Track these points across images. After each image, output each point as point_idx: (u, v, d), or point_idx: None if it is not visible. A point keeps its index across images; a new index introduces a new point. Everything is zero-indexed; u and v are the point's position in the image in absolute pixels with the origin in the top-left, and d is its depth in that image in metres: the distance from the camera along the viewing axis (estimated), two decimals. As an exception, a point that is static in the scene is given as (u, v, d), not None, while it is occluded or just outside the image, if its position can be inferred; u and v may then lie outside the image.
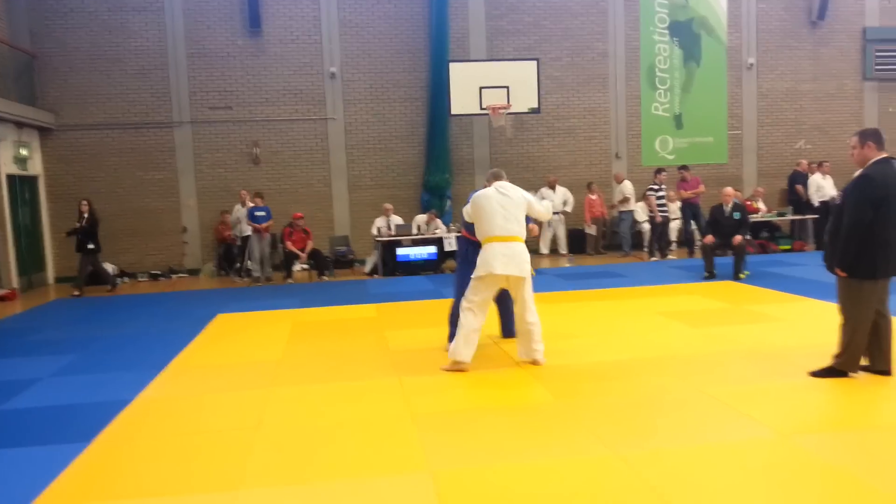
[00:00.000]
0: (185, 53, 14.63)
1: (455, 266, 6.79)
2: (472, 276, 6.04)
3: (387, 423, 4.83)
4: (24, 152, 13.46)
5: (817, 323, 7.26)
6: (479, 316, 6.02)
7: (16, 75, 13.68)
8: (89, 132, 14.48)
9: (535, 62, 14.35)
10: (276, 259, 13.80)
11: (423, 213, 14.24)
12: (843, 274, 5.14)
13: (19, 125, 13.26)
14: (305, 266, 13.47)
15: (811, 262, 11.83)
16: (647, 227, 14.28)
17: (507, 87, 13.96)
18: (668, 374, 5.71)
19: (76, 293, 12.23)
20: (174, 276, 14.44)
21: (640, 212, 14.51)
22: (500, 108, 13.92)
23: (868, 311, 5.17)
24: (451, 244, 12.96)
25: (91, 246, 12.42)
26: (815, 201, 14.58)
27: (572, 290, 10.45)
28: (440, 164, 14.90)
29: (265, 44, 14.83)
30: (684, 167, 14.25)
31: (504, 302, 6.85)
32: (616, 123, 16.02)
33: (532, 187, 15.12)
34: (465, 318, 5.99)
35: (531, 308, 6.09)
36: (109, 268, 14.04)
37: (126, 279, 14.13)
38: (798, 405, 4.87)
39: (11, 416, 5.45)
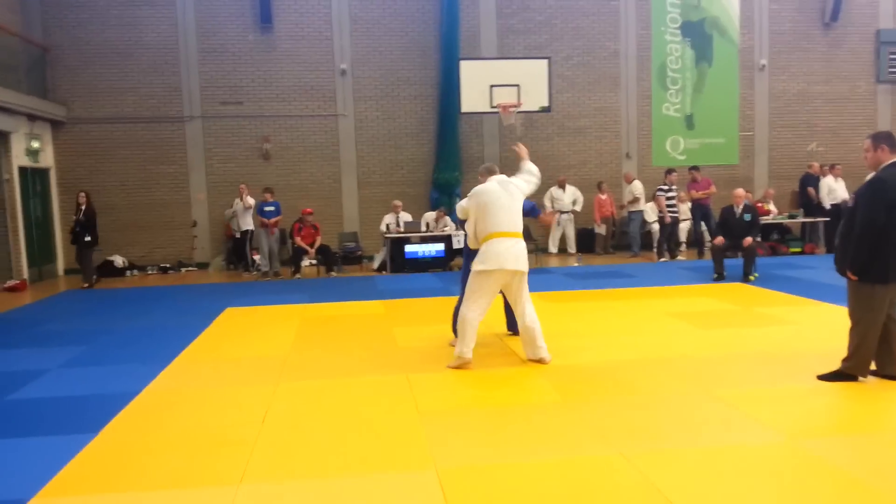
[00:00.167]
0: (197, 48, 14.67)
1: (462, 263, 6.76)
2: (477, 270, 5.88)
3: (393, 420, 4.83)
4: (35, 145, 13.53)
5: (827, 326, 7.21)
6: (482, 313, 6.02)
7: (28, 68, 13.75)
8: (100, 125, 14.55)
9: (545, 61, 14.31)
10: (285, 254, 13.83)
11: (432, 210, 14.25)
12: (854, 277, 5.10)
13: (31, 118, 13.32)
14: (314, 261, 13.50)
15: (822, 265, 11.76)
16: (656, 227, 14.24)
17: (518, 86, 13.93)
18: (676, 375, 5.69)
19: (86, 285, 12.28)
20: (183, 269, 14.50)
21: (650, 212, 14.46)
22: (510, 107, 13.88)
23: (878, 315, 5.13)
24: (459, 242, 12.93)
25: (88, 238, 12.36)
26: (827, 204, 14.49)
27: (581, 289, 10.43)
28: (450, 162, 14.90)
29: (276, 40, 14.86)
30: (695, 168, 14.20)
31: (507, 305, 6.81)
32: (627, 123, 15.98)
33: (542, 186, 15.09)
34: (470, 315, 5.96)
35: (531, 306, 6.10)
36: (119, 260, 14.15)
37: (135, 272, 14.19)
38: (806, 409, 4.84)
39: (20, 406, 5.48)
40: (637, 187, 14.60)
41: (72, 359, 6.97)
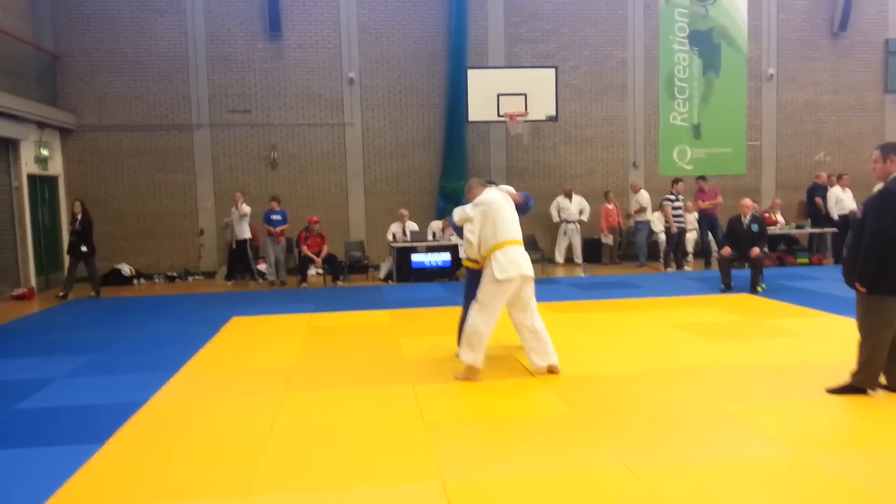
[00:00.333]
0: (206, 56, 14.74)
1: (466, 273, 6.73)
2: (499, 280, 5.79)
3: (399, 431, 4.81)
4: (44, 152, 13.59)
5: (835, 338, 7.18)
6: (493, 323, 5.99)
7: (38, 76, 13.84)
8: (109, 133, 14.61)
9: (553, 70, 14.33)
10: (291, 263, 13.84)
11: (439, 219, 14.24)
12: (863, 289, 5.07)
13: (41, 125, 13.39)
14: (320, 270, 13.50)
15: (829, 276, 11.71)
16: (663, 237, 14.20)
17: (525, 95, 13.95)
18: (683, 387, 5.66)
19: (94, 293, 12.33)
20: (190, 278, 14.52)
21: (657, 222, 14.44)
22: (517, 116, 13.90)
23: (888, 328, 5.09)
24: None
25: (85, 248, 12.20)
26: (835, 214, 14.45)
27: (587, 300, 10.40)
28: (456, 171, 14.90)
29: (285, 48, 14.92)
30: (702, 178, 14.17)
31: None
32: (634, 132, 15.97)
33: (549, 195, 15.16)
34: (484, 328, 5.93)
35: (538, 312, 6.15)
36: (126, 269, 14.18)
37: (142, 280, 14.22)
38: (815, 422, 4.81)
39: (26, 415, 5.48)
40: (644, 197, 14.57)
41: (78, 368, 6.98)
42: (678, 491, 3.74)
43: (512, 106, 13.92)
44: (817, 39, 16.34)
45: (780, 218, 14.80)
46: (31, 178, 13.15)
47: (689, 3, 14.40)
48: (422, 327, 8.56)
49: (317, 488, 3.96)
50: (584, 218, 15.18)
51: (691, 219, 14.34)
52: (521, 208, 6.38)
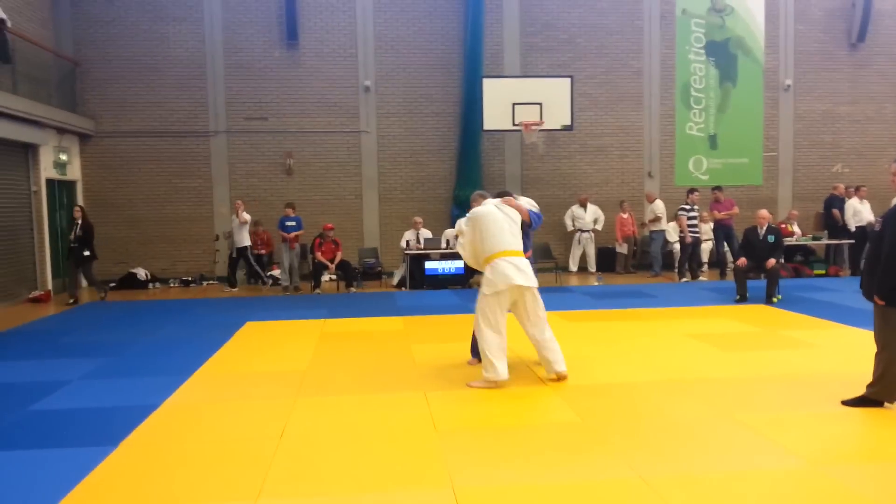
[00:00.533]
0: (223, 64, 14.87)
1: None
2: (487, 294, 5.94)
3: (411, 438, 4.81)
4: (63, 157, 13.75)
5: (851, 350, 7.11)
6: (502, 332, 6.01)
7: (58, 82, 14.01)
8: (127, 139, 14.76)
9: (568, 79, 14.33)
10: (305, 269, 13.90)
11: (453, 227, 14.23)
12: (881, 302, 5.02)
13: (60, 131, 13.56)
14: (334, 277, 13.54)
15: (846, 288, 11.60)
16: (678, 247, 14.14)
17: (541, 104, 13.96)
18: (697, 397, 5.62)
19: (102, 295, 12.40)
20: (205, 282, 14.61)
21: (672, 232, 14.38)
22: (532, 125, 13.91)
23: (905, 341, 5.04)
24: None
25: (87, 253, 12.11)
26: (852, 226, 14.33)
27: (601, 308, 10.37)
28: (471, 179, 14.90)
29: (301, 56, 15.02)
30: (718, 188, 14.11)
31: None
32: (649, 142, 15.93)
33: (563, 204, 15.14)
34: (489, 336, 5.96)
35: (546, 322, 6.13)
36: (141, 273, 14.29)
37: (158, 284, 14.33)
38: (830, 434, 4.76)
39: (40, 417, 5.52)
40: (659, 207, 14.52)
41: (93, 370, 7.03)
42: (691, 502, 3.71)
43: (527, 115, 13.92)
44: (835, 50, 16.25)
45: (796, 229, 14.69)
46: (50, 182, 13.30)
47: (706, 13, 14.35)
48: (434, 334, 8.56)
49: (327, 493, 3.96)
50: (599, 227, 15.15)
51: (707, 229, 14.27)
52: (525, 224, 6.42)
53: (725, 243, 13.99)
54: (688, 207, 13.63)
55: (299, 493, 3.97)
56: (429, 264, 13.29)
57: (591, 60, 15.64)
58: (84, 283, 12.86)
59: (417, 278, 13.29)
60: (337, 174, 15.27)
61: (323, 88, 15.11)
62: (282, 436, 4.88)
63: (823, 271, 14.33)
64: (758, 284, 10.89)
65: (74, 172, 14.39)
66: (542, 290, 6.43)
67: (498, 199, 6.36)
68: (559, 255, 15.02)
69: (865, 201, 14.48)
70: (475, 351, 6.64)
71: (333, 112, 15.17)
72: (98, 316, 10.76)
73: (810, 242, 14.68)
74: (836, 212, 14.68)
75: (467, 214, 6.33)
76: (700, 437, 4.74)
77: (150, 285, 14.20)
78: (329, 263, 13.07)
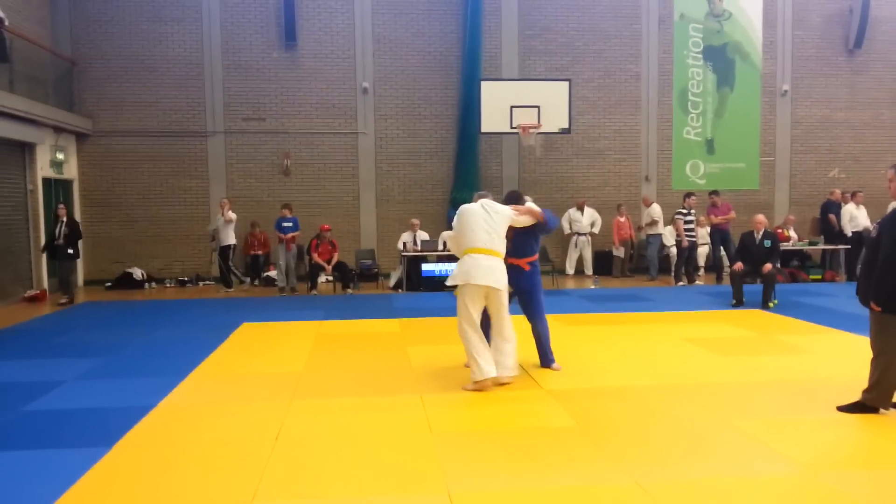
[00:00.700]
0: (221, 64, 14.85)
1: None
2: (449, 285, 6.11)
3: (406, 441, 4.80)
4: (60, 156, 13.71)
5: (847, 356, 7.12)
6: (478, 330, 6.06)
7: (56, 81, 13.98)
8: (124, 138, 14.73)
9: (566, 83, 14.34)
10: (302, 270, 13.88)
11: (450, 229, 14.22)
12: (877, 308, 5.03)
13: (57, 130, 13.52)
14: (330, 278, 13.52)
15: (842, 293, 11.62)
16: (674, 251, 14.16)
17: (538, 107, 13.95)
18: (693, 402, 5.62)
19: (63, 301, 11.77)
20: (201, 283, 14.58)
21: (668, 236, 14.39)
22: (530, 128, 13.91)
23: (901, 347, 5.04)
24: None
25: (71, 251, 11.87)
26: (848, 231, 14.36)
27: (597, 312, 10.37)
28: (468, 181, 14.89)
29: (300, 57, 15.01)
30: (715, 192, 14.13)
31: (538, 329, 6.78)
32: (647, 146, 15.95)
33: (560, 207, 15.14)
34: (467, 336, 6.03)
35: (508, 324, 6.17)
36: (137, 272, 14.26)
37: (154, 284, 14.30)
38: (826, 441, 4.76)
39: (35, 417, 5.51)
40: (656, 210, 14.54)
41: (88, 371, 7.01)
42: (686, 507, 3.72)
43: (525, 118, 13.93)
44: (832, 56, 16.29)
45: (792, 234, 14.72)
46: (47, 181, 13.27)
47: (704, 18, 14.38)
48: (431, 336, 8.55)
49: (323, 496, 3.95)
50: (596, 230, 15.16)
51: (703, 233, 14.28)
52: (540, 227, 6.43)
53: (722, 247, 14.01)
54: (685, 211, 13.64)
55: (295, 496, 3.96)
56: (426, 266, 13.28)
57: (590, 64, 15.66)
58: (59, 281, 12.25)
59: (414, 280, 13.28)
60: (334, 175, 15.25)
61: (321, 90, 15.10)
62: (277, 438, 4.87)
63: (820, 276, 14.35)
64: (754, 289, 10.91)
65: (71, 171, 14.36)
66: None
67: (488, 200, 6.36)
68: (556, 258, 15.02)
69: (862, 207, 14.51)
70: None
71: (331, 113, 15.16)
72: (93, 315, 10.73)
73: (807, 247, 14.71)
74: (832, 217, 14.71)
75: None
76: (697, 442, 4.74)
77: (147, 285, 14.16)
78: (326, 265, 13.05)
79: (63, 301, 11.77)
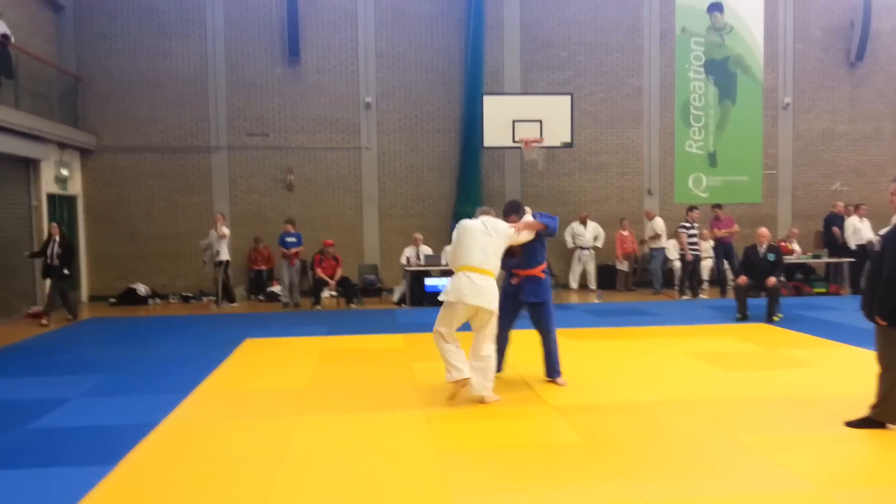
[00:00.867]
0: (225, 80, 14.92)
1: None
2: (442, 301, 6.11)
3: (411, 457, 4.78)
4: (64, 172, 13.76)
5: (853, 370, 7.09)
6: (450, 340, 6.06)
7: (60, 97, 14.05)
8: (128, 154, 14.78)
9: (568, 97, 14.37)
10: (305, 285, 13.88)
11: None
12: (883, 322, 5.01)
13: (62, 146, 13.58)
14: (334, 293, 13.52)
15: (847, 307, 11.59)
16: (678, 264, 14.14)
17: (541, 121, 13.98)
18: (699, 417, 5.60)
19: (45, 322, 11.39)
20: (205, 298, 14.57)
21: (672, 249, 14.38)
22: (532, 142, 13.93)
23: (908, 362, 5.02)
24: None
25: (66, 272, 11.59)
26: (852, 244, 14.33)
27: (601, 326, 10.34)
28: (471, 196, 14.91)
29: (303, 73, 15.08)
30: (718, 206, 14.13)
31: (549, 342, 6.77)
32: (649, 160, 15.97)
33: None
34: (439, 344, 6.06)
35: (490, 343, 6.13)
36: (141, 288, 14.26)
37: (158, 300, 14.29)
38: (835, 456, 4.73)
39: (40, 435, 5.49)
40: (659, 224, 14.53)
41: (93, 387, 7.00)
42: (695, 524, 3.69)
43: (527, 132, 13.95)
44: (834, 69, 16.33)
45: (796, 247, 14.69)
46: (51, 197, 13.30)
47: (705, 32, 14.43)
48: (435, 352, 8.45)
49: (329, 514, 3.93)
50: (599, 244, 15.15)
51: (707, 246, 14.27)
52: (545, 233, 6.44)
53: (725, 261, 13.99)
54: (688, 225, 13.64)
55: (300, 514, 3.94)
56: (429, 281, 13.27)
57: (592, 78, 15.71)
58: (60, 301, 11.78)
59: (417, 295, 13.26)
60: (337, 190, 15.29)
61: (324, 105, 15.16)
62: (282, 455, 4.85)
63: (824, 289, 14.32)
64: (758, 303, 10.88)
65: (75, 187, 14.40)
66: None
67: (489, 217, 6.36)
68: (559, 272, 15.00)
69: (865, 219, 14.49)
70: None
71: (334, 128, 15.21)
72: (97, 332, 10.73)
73: (810, 260, 14.69)
74: (836, 230, 14.69)
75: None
76: (704, 458, 4.72)
77: (150, 301, 14.16)
78: (329, 280, 13.05)
79: (45, 322, 11.36)
